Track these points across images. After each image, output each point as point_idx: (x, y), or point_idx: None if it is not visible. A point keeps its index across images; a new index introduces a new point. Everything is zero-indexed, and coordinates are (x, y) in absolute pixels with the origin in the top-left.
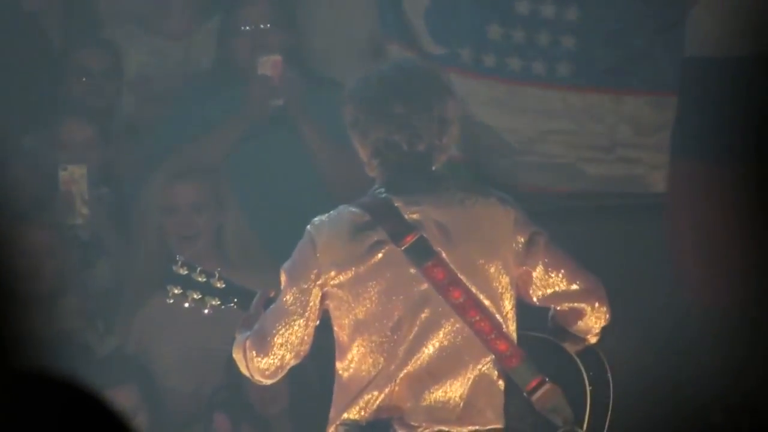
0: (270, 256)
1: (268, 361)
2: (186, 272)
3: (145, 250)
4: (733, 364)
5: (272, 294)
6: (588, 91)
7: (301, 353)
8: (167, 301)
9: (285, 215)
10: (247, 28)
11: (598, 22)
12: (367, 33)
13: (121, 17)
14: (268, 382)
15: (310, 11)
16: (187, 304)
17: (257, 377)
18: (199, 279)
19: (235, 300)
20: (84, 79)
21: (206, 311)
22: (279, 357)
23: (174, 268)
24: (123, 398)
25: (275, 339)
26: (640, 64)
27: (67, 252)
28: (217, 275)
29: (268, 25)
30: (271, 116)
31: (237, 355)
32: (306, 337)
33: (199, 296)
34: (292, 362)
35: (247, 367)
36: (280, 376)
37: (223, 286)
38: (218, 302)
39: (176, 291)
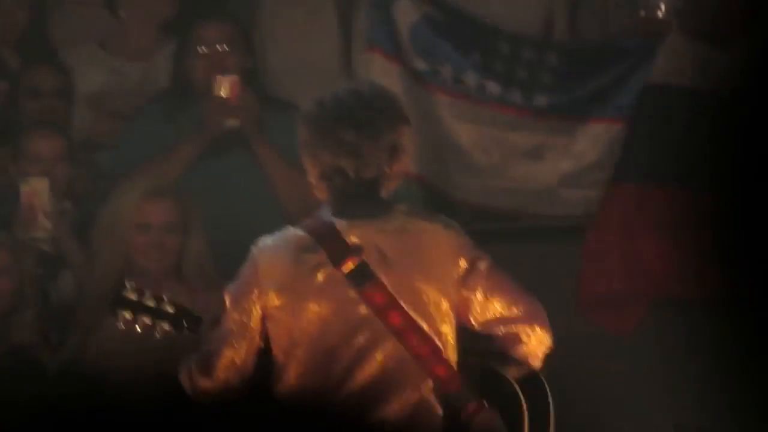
0: (224, 277)
1: (212, 383)
2: (136, 297)
3: (106, 266)
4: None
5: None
6: (560, 119)
7: (245, 375)
8: (119, 325)
9: (240, 236)
10: (205, 50)
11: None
12: (325, 53)
13: (81, 37)
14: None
15: (267, 32)
16: (139, 329)
17: (202, 399)
18: (149, 304)
19: (186, 325)
20: (34, 99)
21: (158, 335)
22: (222, 379)
23: (123, 293)
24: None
25: (219, 361)
26: (613, 91)
27: (25, 269)
28: (166, 299)
29: (226, 47)
30: (226, 137)
31: (183, 377)
32: (249, 358)
33: (150, 322)
34: (236, 385)
35: (192, 389)
36: (225, 397)
37: (173, 310)
38: (169, 327)
39: (127, 316)
